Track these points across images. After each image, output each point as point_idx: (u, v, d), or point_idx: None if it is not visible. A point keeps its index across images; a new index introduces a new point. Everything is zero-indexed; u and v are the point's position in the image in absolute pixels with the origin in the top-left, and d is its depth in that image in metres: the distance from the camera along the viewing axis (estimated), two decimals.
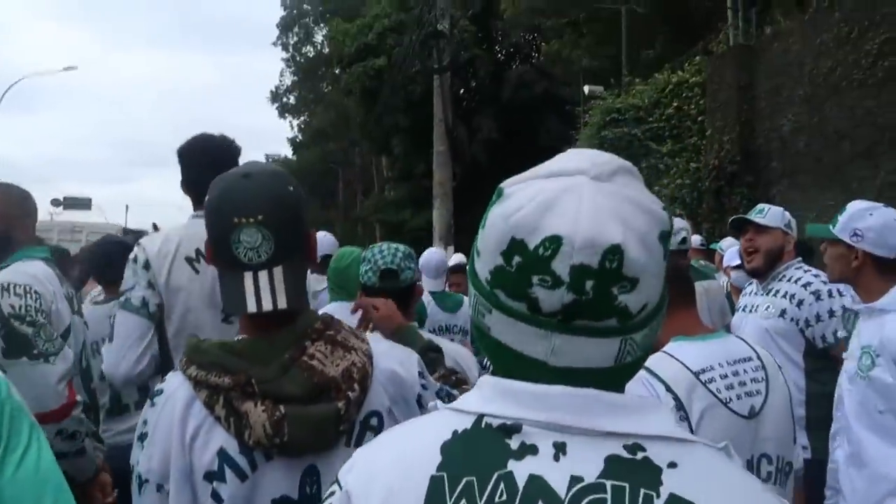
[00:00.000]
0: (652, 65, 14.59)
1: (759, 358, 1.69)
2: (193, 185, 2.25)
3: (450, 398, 1.33)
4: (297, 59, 39.10)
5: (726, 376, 1.63)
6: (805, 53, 8.59)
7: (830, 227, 2.33)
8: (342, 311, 2.91)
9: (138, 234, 4.48)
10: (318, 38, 37.64)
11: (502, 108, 22.99)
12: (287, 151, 45.01)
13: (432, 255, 4.40)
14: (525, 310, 0.72)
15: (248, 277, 1.13)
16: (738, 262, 4.62)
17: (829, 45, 8.16)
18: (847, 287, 2.52)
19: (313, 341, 1.15)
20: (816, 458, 2.44)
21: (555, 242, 0.69)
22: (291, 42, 38.70)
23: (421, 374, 1.29)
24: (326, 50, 34.03)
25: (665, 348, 1.68)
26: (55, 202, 42.96)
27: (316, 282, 4.54)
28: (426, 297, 4.18)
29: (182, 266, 2.06)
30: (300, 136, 42.02)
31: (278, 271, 1.13)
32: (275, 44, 38.68)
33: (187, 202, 2.31)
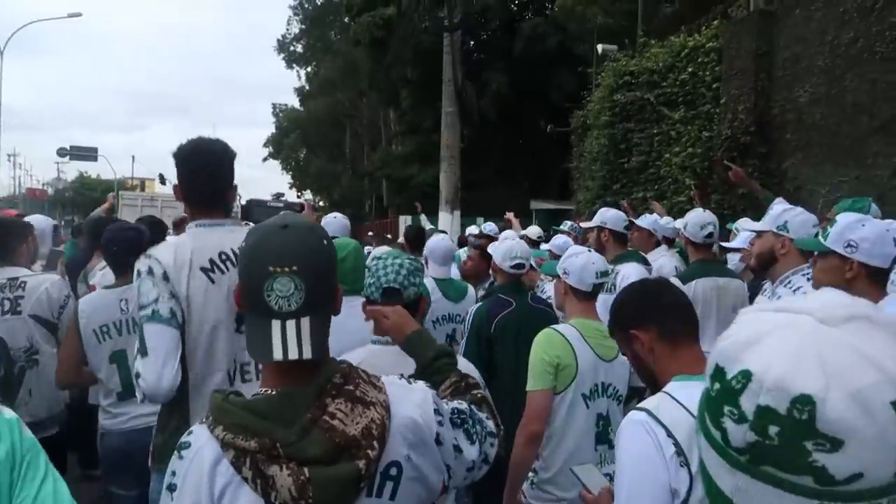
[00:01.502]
0: (669, 23, 14.16)
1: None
2: (190, 190, 2.24)
3: (466, 421, 1.40)
4: (305, 6, 38.21)
5: None
6: (827, 22, 8.27)
7: (821, 239, 2.32)
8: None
9: (154, 222, 4.43)
10: None
11: (513, 61, 22.54)
12: (294, 101, 44.49)
13: (439, 241, 4.40)
14: (718, 438, 0.73)
15: (276, 325, 1.17)
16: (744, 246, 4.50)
17: (853, 14, 7.85)
18: None
19: (333, 398, 1.19)
20: None
21: (746, 377, 0.68)
22: None
23: (436, 411, 1.32)
24: None
25: (667, 388, 1.64)
26: (61, 152, 43.04)
27: None
28: (430, 284, 4.16)
29: (198, 276, 2.08)
30: (307, 86, 41.40)
31: (306, 322, 1.18)
32: None
33: None
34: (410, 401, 1.31)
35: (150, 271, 2.06)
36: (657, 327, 1.71)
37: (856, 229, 2.23)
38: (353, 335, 2.62)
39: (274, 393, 1.20)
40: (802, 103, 8.68)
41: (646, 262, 4.17)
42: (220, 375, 2.10)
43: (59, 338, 3.09)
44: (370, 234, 18.84)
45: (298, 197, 45.24)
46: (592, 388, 2.58)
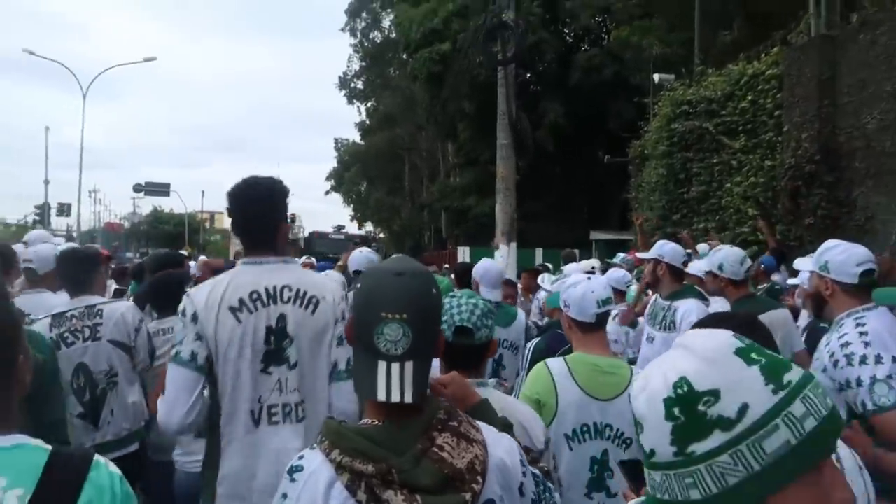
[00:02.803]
0: (727, 51, 13.92)
1: (837, 460, 1.52)
2: (242, 228, 2.29)
3: (539, 484, 1.44)
4: (365, 44, 39.35)
5: None
6: (894, 46, 7.99)
7: None
8: None
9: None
10: (386, 23, 37.75)
11: (569, 92, 22.51)
12: (355, 136, 45.56)
13: (491, 265, 4.34)
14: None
15: (382, 367, 1.25)
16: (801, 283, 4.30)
17: None
18: (891, 353, 2.29)
19: (440, 432, 1.26)
20: None
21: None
22: (359, 27, 38.98)
23: (522, 462, 1.37)
24: (394, 35, 34.07)
25: None
26: (137, 187, 45.28)
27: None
28: None
29: (226, 316, 2.11)
30: (368, 121, 42.39)
31: (409, 366, 1.26)
32: (343, 30, 39.08)
33: None
34: (503, 447, 1.36)
35: (184, 312, 2.12)
36: None
37: None
38: None
39: (384, 423, 1.27)
40: (871, 130, 8.35)
41: (704, 298, 3.99)
42: (244, 415, 2.12)
43: (135, 360, 3.26)
44: (431, 267, 19.02)
45: (359, 229, 46.11)
46: (578, 428, 2.36)
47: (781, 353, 3.49)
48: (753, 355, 0.85)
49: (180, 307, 2.16)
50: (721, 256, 3.86)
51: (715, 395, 0.82)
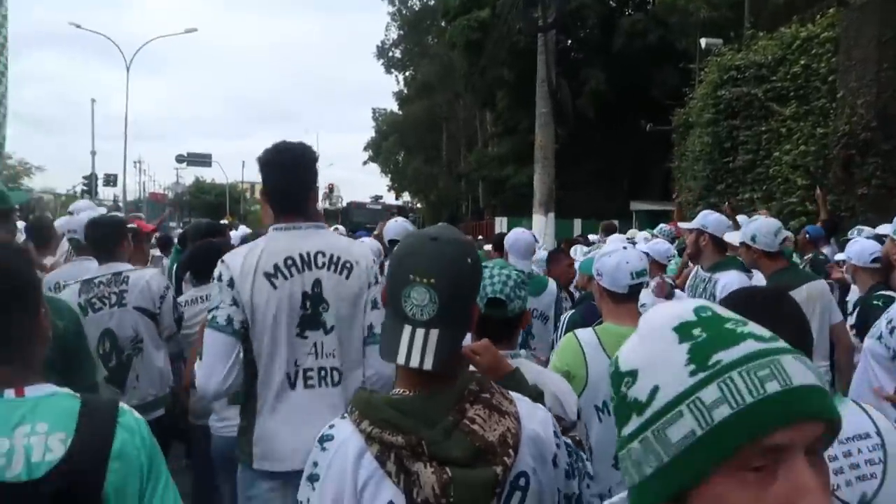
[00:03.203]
0: (779, 13, 13.34)
1: (878, 433, 1.46)
2: (273, 194, 2.28)
3: (571, 454, 1.42)
4: (403, 12, 38.94)
5: (835, 458, 1.42)
6: None
7: None
8: None
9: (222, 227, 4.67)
10: None
11: (612, 58, 21.94)
12: (393, 106, 45.41)
13: (520, 234, 4.30)
14: None
15: (406, 331, 1.23)
16: (869, 261, 4.08)
17: None
18: None
19: (471, 404, 1.23)
20: None
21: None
22: None
23: (556, 434, 1.35)
24: (432, 2, 33.61)
25: None
26: (179, 158, 46.09)
27: None
28: None
29: (262, 282, 2.12)
30: (406, 90, 42.15)
31: (434, 333, 1.22)
32: None
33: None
34: (536, 417, 1.33)
35: (220, 277, 2.14)
36: None
37: None
38: None
39: (415, 394, 1.25)
40: None
41: (746, 270, 3.83)
42: (280, 378, 2.13)
43: (160, 326, 3.31)
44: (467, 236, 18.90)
45: (397, 199, 46.24)
46: (609, 399, 2.31)
47: (820, 325, 3.32)
48: (696, 331, 0.74)
49: (216, 272, 2.17)
50: (754, 227, 3.67)
51: (633, 375, 0.76)
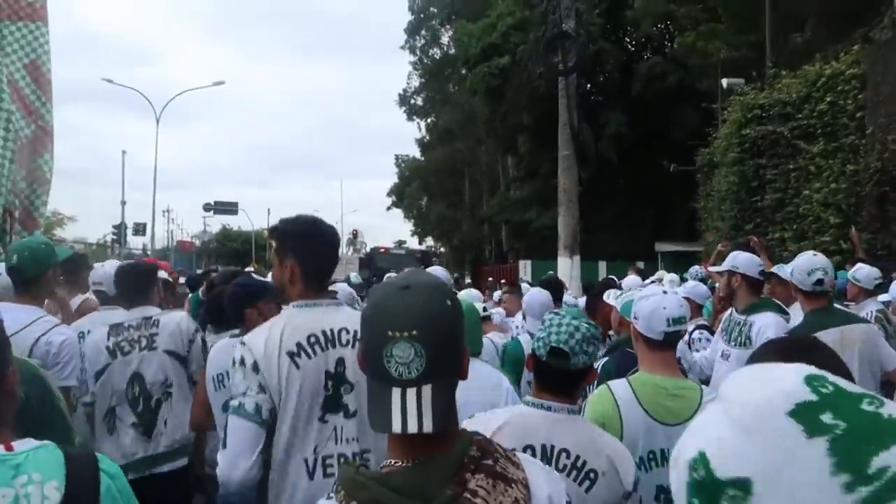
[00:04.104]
0: (801, 53, 13.31)
1: None
2: (307, 269, 2.17)
3: None
4: (424, 61, 39.69)
5: None
6: None
7: None
8: None
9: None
10: (445, 39, 38.01)
11: (632, 101, 22.03)
12: (415, 152, 45.96)
13: (537, 295, 4.27)
14: None
15: (395, 394, 1.09)
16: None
17: None
18: None
19: (473, 473, 1.10)
20: None
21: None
22: (419, 45, 39.33)
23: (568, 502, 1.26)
24: (452, 51, 34.28)
25: None
26: (206, 207, 46.97)
27: None
28: (525, 340, 4.04)
29: (285, 363, 2.02)
30: (427, 137, 42.68)
31: (427, 390, 1.09)
32: (402, 47, 39.51)
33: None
34: (547, 482, 1.21)
35: (243, 361, 2.02)
36: None
37: None
38: (470, 397, 2.62)
39: (407, 465, 1.11)
40: None
41: (783, 312, 3.73)
42: (299, 466, 2.01)
43: (189, 371, 3.26)
44: (489, 279, 18.81)
45: (420, 244, 46.40)
46: (645, 455, 2.18)
47: (861, 375, 3.13)
48: (825, 417, 0.53)
49: (236, 355, 2.05)
50: (795, 262, 3.59)
51: (743, 487, 0.54)
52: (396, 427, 1.07)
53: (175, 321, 3.28)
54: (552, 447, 1.80)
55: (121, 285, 3.39)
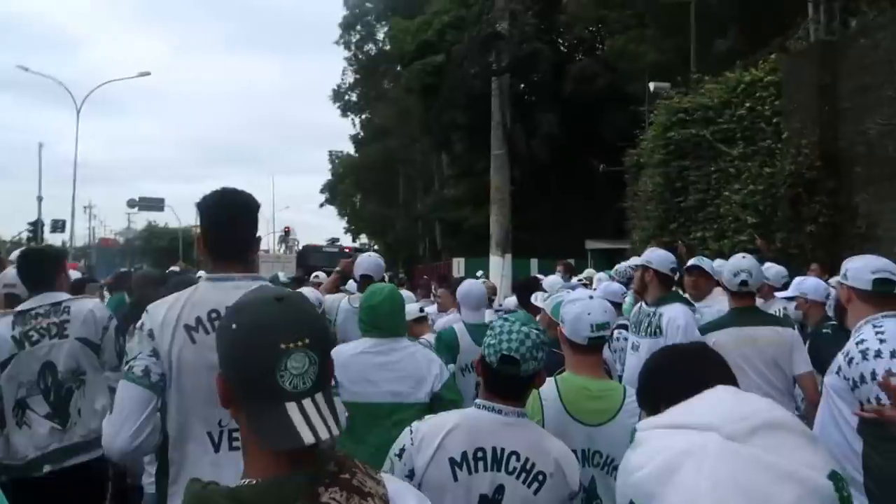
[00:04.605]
0: (723, 59, 13.83)
1: None
2: (208, 240, 2.17)
3: None
4: (359, 57, 39.32)
5: None
6: (895, 50, 7.86)
7: None
8: (377, 347, 2.81)
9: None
10: (380, 35, 37.75)
11: (564, 102, 22.42)
12: (350, 149, 45.50)
13: (473, 286, 4.32)
14: None
15: (293, 408, 1.04)
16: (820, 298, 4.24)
17: None
18: None
19: (327, 487, 1.07)
20: None
21: None
22: (353, 41, 38.92)
23: None
24: (388, 47, 34.08)
25: None
26: (131, 203, 45.16)
27: (358, 300, 4.42)
28: (460, 329, 4.04)
29: (181, 335, 1.98)
30: (362, 133, 42.32)
31: (320, 398, 1.07)
32: (337, 43, 38.99)
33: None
34: (414, 497, 1.20)
35: (141, 327, 2.01)
36: None
37: None
38: (409, 375, 2.79)
39: (261, 481, 1.06)
40: (872, 135, 8.22)
41: (690, 304, 4.01)
42: (201, 440, 1.98)
43: (102, 359, 3.15)
44: (424, 277, 18.75)
45: (354, 241, 45.95)
46: None
47: (773, 375, 3.44)
48: None
49: (138, 322, 2.03)
50: (725, 263, 3.92)
51: None
52: (308, 438, 1.02)
53: (88, 307, 3.16)
54: (502, 450, 1.84)
55: (24, 270, 3.24)
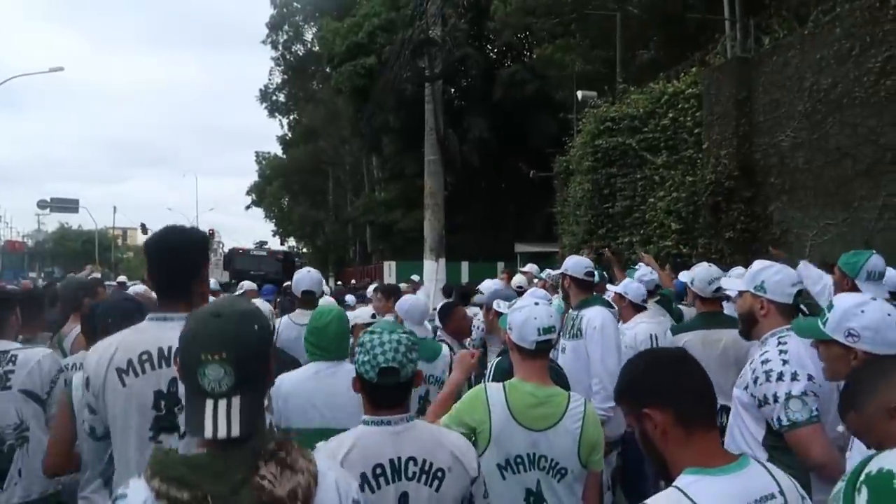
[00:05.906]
0: (647, 68, 14.37)
1: (782, 493, 1.50)
2: (156, 281, 2.17)
3: None
4: (287, 57, 38.58)
5: None
6: (805, 68, 8.39)
7: (820, 324, 2.12)
8: (323, 372, 2.77)
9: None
10: (308, 36, 37.19)
11: (493, 107, 22.74)
12: (277, 150, 44.58)
13: (414, 302, 4.32)
14: None
15: (209, 405, 1.29)
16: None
17: (830, 61, 7.96)
18: (807, 371, 2.36)
19: (266, 462, 1.30)
20: None
21: None
22: (281, 40, 38.13)
23: (356, 502, 1.45)
24: (317, 48, 33.61)
25: (678, 482, 1.49)
26: (42, 203, 42.64)
27: (300, 315, 4.37)
28: None
29: (112, 379, 1.98)
30: (290, 134, 41.54)
31: (236, 401, 1.30)
32: (264, 42, 38.13)
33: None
34: (337, 474, 1.44)
35: (82, 376, 2.06)
36: (675, 409, 1.54)
37: (855, 316, 2.03)
38: (343, 399, 2.65)
39: (212, 452, 1.30)
40: (785, 148, 8.73)
41: (609, 306, 4.21)
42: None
43: (49, 415, 2.91)
44: (352, 282, 18.58)
45: (282, 245, 45.04)
46: (511, 458, 2.32)
47: (735, 375, 3.56)
48: None
49: (80, 363, 2.13)
50: (694, 271, 4.14)
51: None
52: (208, 433, 1.27)
53: (35, 358, 2.92)
54: (399, 459, 1.88)
55: None
